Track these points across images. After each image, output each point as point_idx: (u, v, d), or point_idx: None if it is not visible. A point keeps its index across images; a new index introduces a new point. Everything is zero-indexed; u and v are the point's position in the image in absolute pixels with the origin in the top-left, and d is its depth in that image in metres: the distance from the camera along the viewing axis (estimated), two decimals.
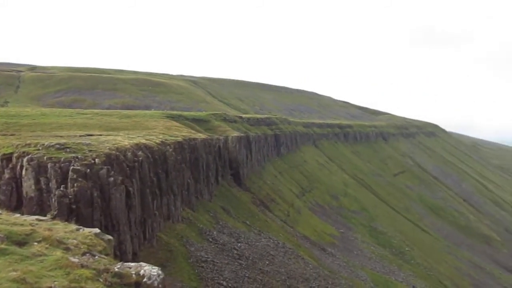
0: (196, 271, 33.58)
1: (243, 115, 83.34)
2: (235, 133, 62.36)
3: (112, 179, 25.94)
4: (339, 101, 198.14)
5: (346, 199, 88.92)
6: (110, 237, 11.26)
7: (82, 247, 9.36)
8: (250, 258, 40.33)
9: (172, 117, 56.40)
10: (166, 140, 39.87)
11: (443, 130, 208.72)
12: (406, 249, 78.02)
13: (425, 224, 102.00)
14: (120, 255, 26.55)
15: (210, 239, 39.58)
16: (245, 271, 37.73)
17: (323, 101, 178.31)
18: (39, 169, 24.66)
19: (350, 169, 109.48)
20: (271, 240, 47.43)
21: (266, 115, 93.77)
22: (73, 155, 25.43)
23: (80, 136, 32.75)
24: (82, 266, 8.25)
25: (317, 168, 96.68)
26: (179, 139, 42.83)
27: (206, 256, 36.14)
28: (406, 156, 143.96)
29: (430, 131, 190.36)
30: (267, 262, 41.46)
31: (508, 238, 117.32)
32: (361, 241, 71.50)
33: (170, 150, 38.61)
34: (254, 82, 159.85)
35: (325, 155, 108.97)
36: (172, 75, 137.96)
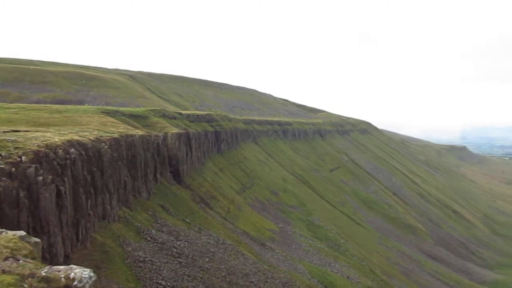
0: (134, 271, 32.61)
1: (183, 112, 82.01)
2: (175, 130, 61.22)
3: (41, 178, 24.34)
4: (279, 98, 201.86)
5: (285, 194, 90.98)
6: (37, 239, 10.56)
7: (4, 251, 8.70)
8: (190, 256, 39.93)
9: (108, 113, 54.07)
10: (101, 136, 38.16)
11: (375, 128, 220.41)
12: (341, 241, 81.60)
13: (359, 217, 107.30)
14: (50, 259, 25.04)
15: (149, 238, 38.61)
16: (185, 269, 37.30)
17: (263, 99, 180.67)
18: None
19: (289, 165, 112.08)
20: (212, 237, 47.29)
21: (206, 112, 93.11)
22: None
23: (4, 132, 30.29)
24: (4, 271, 7.67)
25: (257, 165, 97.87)
26: (115, 135, 41.20)
27: (144, 256, 35.21)
28: (342, 153, 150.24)
29: (364, 128, 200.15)
30: (207, 259, 41.29)
31: (432, 228, 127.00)
32: (299, 235, 73.62)
33: (106, 147, 37.03)
34: (194, 78, 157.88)
35: (265, 151, 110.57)
36: (107, 69, 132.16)
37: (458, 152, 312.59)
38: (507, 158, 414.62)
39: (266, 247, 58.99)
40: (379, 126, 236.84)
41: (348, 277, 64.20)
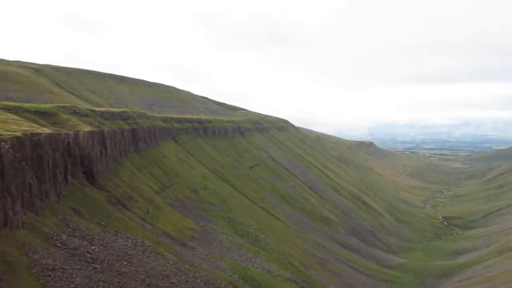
0: (42, 281, 30.17)
1: (97, 109, 77.49)
2: (87, 128, 57.60)
3: None
4: (199, 96, 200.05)
5: (206, 192, 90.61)
6: None
7: None
8: (106, 261, 37.99)
9: (9, 109, 49.15)
10: (1, 135, 34.61)
11: (292, 126, 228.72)
12: (262, 236, 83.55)
13: (278, 212, 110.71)
14: None
15: (59, 244, 35.94)
16: (100, 275, 35.41)
17: (182, 96, 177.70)
18: None
19: (209, 163, 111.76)
20: (129, 240, 45.46)
21: (122, 109, 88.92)
22: None
23: None
24: None
25: (177, 163, 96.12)
26: (18, 134, 37.63)
27: (53, 264, 32.72)
28: (261, 150, 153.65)
29: (281, 126, 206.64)
30: (124, 263, 39.63)
31: (345, 219, 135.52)
32: (220, 233, 73.87)
33: (7, 146, 33.68)
34: (108, 74, 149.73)
35: (185, 150, 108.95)
36: (7, 61, 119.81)
37: (366, 147, 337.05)
38: (408, 152, 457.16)
39: (187, 247, 58.26)
40: (296, 124, 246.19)
41: (268, 271, 65.98)
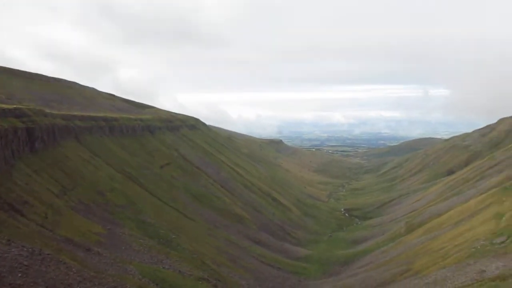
0: None
1: None
2: None
3: None
4: (104, 93, 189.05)
5: (113, 194, 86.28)
6: None
7: None
8: None
9: None
10: None
11: (203, 124, 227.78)
12: (173, 237, 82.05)
13: (190, 211, 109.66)
14: None
15: None
16: None
17: (86, 93, 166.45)
18: None
19: (116, 163, 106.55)
20: (25, 249, 41.49)
21: (15, 106, 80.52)
22: None
23: None
24: None
25: (81, 164, 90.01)
26: None
27: None
28: (172, 148, 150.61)
29: (192, 124, 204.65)
30: (19, 275, 36.11)
31: (256, 216, 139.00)
32: (129, 235, 70.95)
33: None
34: None
35: (89, 150, 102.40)
36: None
37: (275, 145, 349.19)
38: (313, 149, 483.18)
39: (93, 252, 54.95)
40: (208, 123, 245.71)
41: (180, 271, 65.07)
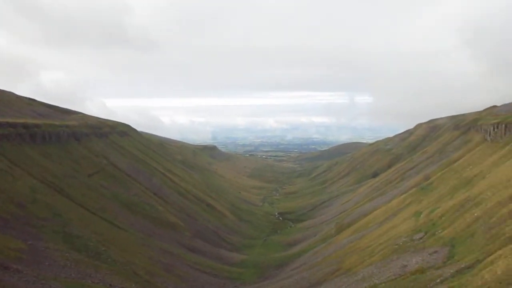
0: None
1: None
2: None
3: None
4: (24, 97, 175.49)
5: (35, 206, 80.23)
6: None
7: None
8: None
9: None
10: None
11: (134, 130, 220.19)
12: (103, 249, 78.16)
13: (121, 221, 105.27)
14: None
15: None
16: None
17: (3, 97, 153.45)
18: None
19: (39, 172, 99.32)
20: None
21: None
22: None
23: None
24: None
25: None
26: None
27: None
28: (101, 156, 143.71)
29: (123, 130, 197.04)
30: None
31: (190, 223, 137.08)
32: (54, 250, 66.37)
33: None
34: None
35: (6, 158, 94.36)
36: None
37: (210, 151, 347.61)
38: (247, 155, 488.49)
39: (11, 270, 50.62)
40: (139, 129, 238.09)
41: (110, 285, 62.15)
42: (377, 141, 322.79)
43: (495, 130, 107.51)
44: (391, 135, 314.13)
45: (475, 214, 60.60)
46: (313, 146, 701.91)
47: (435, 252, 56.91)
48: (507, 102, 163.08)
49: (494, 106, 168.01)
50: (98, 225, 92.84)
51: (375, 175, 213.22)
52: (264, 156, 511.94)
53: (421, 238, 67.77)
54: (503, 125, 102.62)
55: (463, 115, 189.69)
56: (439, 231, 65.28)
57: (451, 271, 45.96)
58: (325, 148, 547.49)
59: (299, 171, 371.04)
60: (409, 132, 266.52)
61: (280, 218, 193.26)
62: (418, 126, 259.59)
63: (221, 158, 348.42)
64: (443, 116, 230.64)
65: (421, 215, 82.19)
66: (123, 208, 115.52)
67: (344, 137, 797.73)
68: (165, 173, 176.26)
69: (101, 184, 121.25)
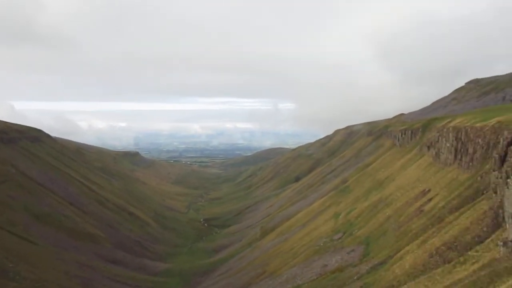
0: None
1: None
2: None
3: None
4: None
5: None
6: None
7: None
8: None
9: None
10: None
11: (48, 136, 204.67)
12: (10, 265, 71.55)
13: (32, 235, 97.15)
14: None
15: None
16: None
17: None
18: None
19: None
20: None
21: None
22: None
23: None
24: None
25: None
26: None
27: None
28: (8, 164, 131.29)
29: (34, 136, 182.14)
30: None
31: (111, 233, 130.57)
32: None
33: None
34: None
35: None
36: None
37: (132, 157, 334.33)
38: (172, 161, 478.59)
39: None
40: (53, 134, 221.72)
41: None
42: (299, 147, 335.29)
43: (403, 136, 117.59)
44: (312, 140, 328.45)
45: (387, 214, 65.69)
46: (238, 152, 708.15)
47: (352, 250, 60.63)
48: (413, 110, 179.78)
49: (402, 114, 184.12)
50: (6, 240, 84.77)
51: (297, 179, 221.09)
52: (189, 162, 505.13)
53: (340, 238, 71.72)
54: (410, 131, 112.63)
55: (376, 122, 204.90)
56: (356, 231, 69.67)
57: (367, 267, 49.31)
58: (249, 153, 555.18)
59: (224, 176, 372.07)
60: (328, 138, 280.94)
61: (206, 225, 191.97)
62: (337, 132, 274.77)
63: (144, 165, 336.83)
64: (359, 122, 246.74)
65: (340, 216, 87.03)
66: (34, 220, 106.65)
67: (268, 143, 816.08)
68: (83, 181, 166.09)
69: (8, 194, 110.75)
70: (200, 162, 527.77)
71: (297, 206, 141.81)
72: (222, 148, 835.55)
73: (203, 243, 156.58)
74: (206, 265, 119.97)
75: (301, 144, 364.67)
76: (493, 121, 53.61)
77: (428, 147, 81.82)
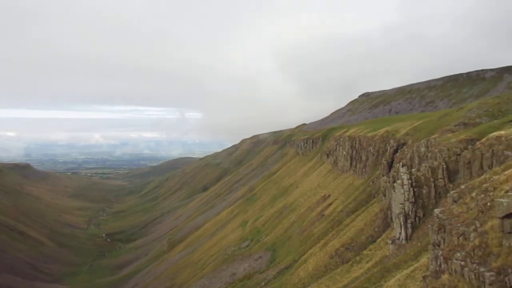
0: None
1: None
2: None
3: None
4: None
5: None
6: None
7: None
8: None
9: None
10: None
11: None
12: None
13: None
14: None
15: None
16: None
17: None
18: None
19: None
20: None
21: None
22: None
23: None
24: None
25: None
26: None
27: None
28: None
29: None
30: None
31: None
32: None
33: None
34: None
35: None
36: None
37: (21, 170, 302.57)
38: (69, 173, 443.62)
39: None
40: None
41: None
42: (206, 156, 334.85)
43: (305, 144, 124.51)
44: (219, 149, 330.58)
45: (291, 219, 68.74)
46: (143, 162, 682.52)
47: (260, 257, 62.17)
48: (314, 120, 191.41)
49: (304, 124, 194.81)
50: None
51: (205, 188, 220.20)
52: (89, 174, 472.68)
53: (247, 246, 73.02)
54: (311, 140, 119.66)
55: (281, 131, 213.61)
56: (263, 237, 71.61)
57: (273, 273, 50.94)
58: (156, 163, 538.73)
59: (129, 188, 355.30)
60: (235, 147, 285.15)
61: (109, 240, 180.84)
62: (243, 141, 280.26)
63: (36, 178, 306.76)
64: (265, 132, 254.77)
65: (247, 224, 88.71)
66: None
67: (176, 152, 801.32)
68: None
69: None
70: (101, 173, 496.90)
71: (205, 216, 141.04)
72: (127, 158, 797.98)
73: (105, 260, 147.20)
74: (109, 283, 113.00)
75: (208, 154, 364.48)
76: (382, 131, 59.65)
77: (328, 155, 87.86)
